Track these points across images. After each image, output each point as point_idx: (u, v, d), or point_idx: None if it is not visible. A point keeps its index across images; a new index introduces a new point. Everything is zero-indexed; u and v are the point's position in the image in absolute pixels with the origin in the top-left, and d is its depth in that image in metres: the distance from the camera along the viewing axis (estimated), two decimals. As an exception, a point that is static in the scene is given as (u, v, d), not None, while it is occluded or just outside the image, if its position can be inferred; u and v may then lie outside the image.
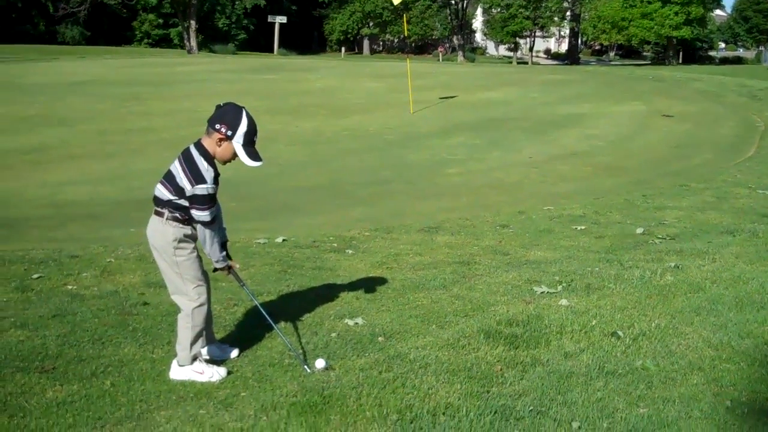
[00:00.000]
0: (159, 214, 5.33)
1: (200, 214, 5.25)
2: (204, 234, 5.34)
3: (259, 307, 5.82)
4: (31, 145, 19.94)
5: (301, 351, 5.91)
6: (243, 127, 5.21)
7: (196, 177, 5.18)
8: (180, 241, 5.33)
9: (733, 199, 13.56)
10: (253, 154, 5.29)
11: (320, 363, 5.58)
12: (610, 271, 8.26)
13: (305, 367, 5.55)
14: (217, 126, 5.19)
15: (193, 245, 5.43)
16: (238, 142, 5.22)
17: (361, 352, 5.93)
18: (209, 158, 5.23)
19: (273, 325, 5.82)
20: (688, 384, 5.38)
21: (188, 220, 5.33)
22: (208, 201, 5.25)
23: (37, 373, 5.36)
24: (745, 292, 7.48)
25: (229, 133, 5.19)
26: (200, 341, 5.54)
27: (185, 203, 5.24)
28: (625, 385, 5.32)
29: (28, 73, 37.85)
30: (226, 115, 5.23)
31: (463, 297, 7.45)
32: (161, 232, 5.33)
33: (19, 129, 22.25)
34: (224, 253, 5.57)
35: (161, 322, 6.50)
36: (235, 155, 5.30)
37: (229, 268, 5.61)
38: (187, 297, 5.43)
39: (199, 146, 5.27)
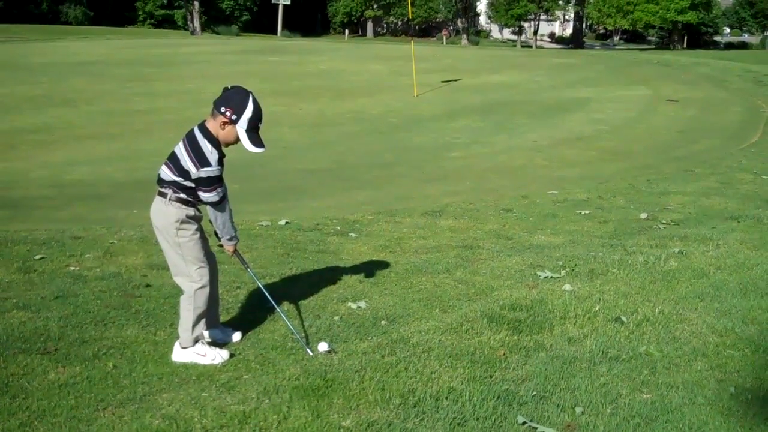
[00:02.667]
0: (162, 194, 5.30)
1: (207, 196, 5.23)
2: (215, 214, 5.34)
3: (263, 289, 5.80)
4: (35, 126, 19.93)
5: (303, 334, 5.90)
6: (248, 112, 5.17)
7: (201, 160, 5.14)
8: (182, 222, 5.30)
9: (737, 185, 13.54)
10: (256, 140, 5.26)
11: (323, 346, 5.58)
12: (613, 256, 8.24)
13: (308, 349, 5.55)
14: (223, 109, 5.15)
15: (196, 226, 5.40)
16: (242, 127, 5.19)
17: (364, 335, 5.92)
18: (213, 140, 5.19)
19: (276, 307, 5.82)
20: (692, 370, 5.37)
21: (192, 202, 5.31)
22: (215, 182, 5.22)
23: (39, 355, 5.35)
24: (750, 278, 7.48)
25: (234, 117, 5.15)
26: (202, 323, 5.51)
27: (190, 185, 5.22)
28: (628, 371, 5.32)
29: (32, 53, 37.83)
30: (233, 99, 5.19)
31: (467, 281, 7.43)
32: (164, 212, 5.30)
33: (23, 109, 22.25)
34: (236, 232, 5.56)
35: (164, 304, 6.49)
36: (238, 139, 5.26)
37: (235, 250, 5.60)
38: (189, 278, 5.40)
39: (203, 128, 5.23)
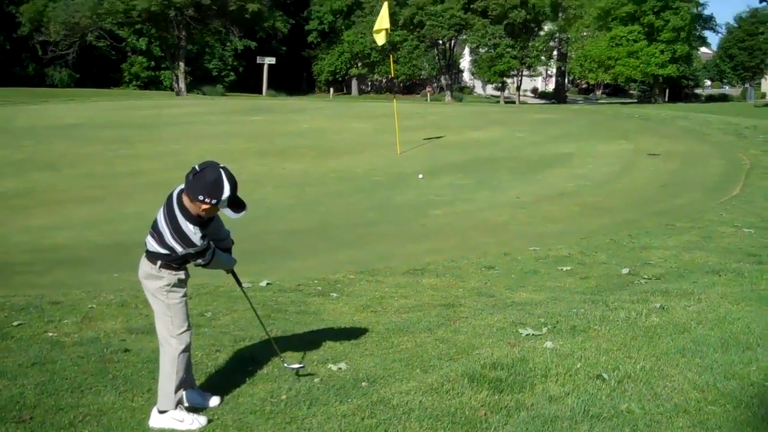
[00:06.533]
0: (152, 261, 5.37)
1: (197, 262, 5.45)
2: (207, 264, 5.53)
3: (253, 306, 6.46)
4: (16, 190, 19.91)
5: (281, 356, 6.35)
6: (226, 192, 5.14)
7: (187, 242, 5.23)
8: (174, 285, 5.41)
9: (719, 239, 13.55)
10: (237, 208, 5.27)
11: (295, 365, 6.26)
12: (595, 312, 8.23)
13: (285, 364, 6.29)
14: (201, 197, 5.12)
15: (185, 290, 5.50)
16: (223, 206, 5.20)
17: (344, 397, 5.88)
18: (194, 220, 5.21)
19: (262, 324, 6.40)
20: (674, 427, 5.34)
21: (181, 267, 5.42)
22: (202, 252, 5.36)
23: (14, 424, 5.30)
24: (731, 332, 7.45)
25: (214, 201, 5.13)
26: (182, 386, 5.50)
27: (177, 256, 5.31)
28: (610, 429, 5.28)
29: (16, 116, 37.89)
30: (207, 184, 5.13)
31: (448, 340, 7.40)
32: (155, 276, 5.38)
33: (4, 173, 22.22)
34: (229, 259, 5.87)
35: (142, 369, 6.44)
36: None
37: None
38: (177, 341, 5.44)
39: (182, 208, 5.22)
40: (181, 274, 5.44)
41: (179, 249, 5.24)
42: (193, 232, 5.20)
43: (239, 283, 6.13)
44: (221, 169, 5.19)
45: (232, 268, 5.92)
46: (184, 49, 76.77)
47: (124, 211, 17.37)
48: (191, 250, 5.27)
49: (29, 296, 8.99)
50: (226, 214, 5.29)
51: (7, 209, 17.61)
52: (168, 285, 5.38)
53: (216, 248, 5.55)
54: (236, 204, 5.25)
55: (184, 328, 5.46)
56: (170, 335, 5.43)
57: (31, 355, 6.79)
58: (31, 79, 79.28)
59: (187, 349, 5.49)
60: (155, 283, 5.39)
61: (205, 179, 5.14)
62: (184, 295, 5.50)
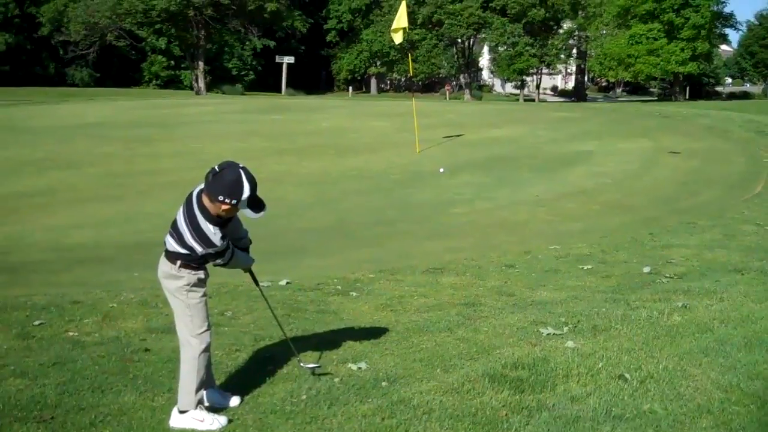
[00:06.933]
0: (171, 260, 5.38)
1: (216, 262, 5.49)
2: (226, 264, 5.56)
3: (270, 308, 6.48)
4: (37, 189, 19.98)
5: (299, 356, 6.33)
6: (246, 192, 5.14)
7: (207, 242, 5.25)
8: (193, 285, 5.41)
9: (741, 237, 13.45)
10: (257, 208, 5.28)
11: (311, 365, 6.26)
12: (616, 311, 8.17)
13: (301, 364, 6.25)
14: (221, 198, 5.13)
15: (204, 289, 5.50)
16: (243, 207, 5.22)
17: (364, 397, 5.85)
18: (214, 220, 5.23)
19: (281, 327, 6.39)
20: (697, 428, 5.30)
21: (200, 266, 5.42)
22: (222, 252, 5.39)
23: (35, 423, 5.29)
24: (754, 332, 7.40)
25: (234, 202, 5.14)
26: (203, 386, 5.50)
27: (197, 256, 5.33)
28: (632, 430, 5.25)
29: (37, 115, 38.05)
30: (227, 185, 5.14)
31: (468, 339, 7.36)
32: (175, 276, 5.38)
33: (25, 172, 22.31)
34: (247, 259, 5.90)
35: (162, 369, 6.43)
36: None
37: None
38: (197, 341, 5.44)
39: (202, 208, 5.24)
40: (201, 274, 5.43)
41: (199, 249, 5.24)
42: (212, 232, 5.20)
43: (257, 282, 6.13)
44: (241, 170, 5.19)
45: (250, 268, 5.94)
46: (204, 49, 77.12)
47: (143, 209, 17.40)
48: (211, 250, 5.28)
49: (50, 295, 8.99)
50: (245, 214, 5.30)
51: (27, 208, 17.68)
52: (188, 285, 5.37)
53: (234, 248, 5.56)
54: (256, 204, 5.26)
55: (204, 327, 5.46)
56: (190, 335, 5.43)
57: (52, 354, 6.79)
58: (51, 79, 79.91)
59: (207, 349, 5.48)
60: (175, 283, 5.38)
61: (224, 179, 5.15)
62: (204, 295, 5.49)
